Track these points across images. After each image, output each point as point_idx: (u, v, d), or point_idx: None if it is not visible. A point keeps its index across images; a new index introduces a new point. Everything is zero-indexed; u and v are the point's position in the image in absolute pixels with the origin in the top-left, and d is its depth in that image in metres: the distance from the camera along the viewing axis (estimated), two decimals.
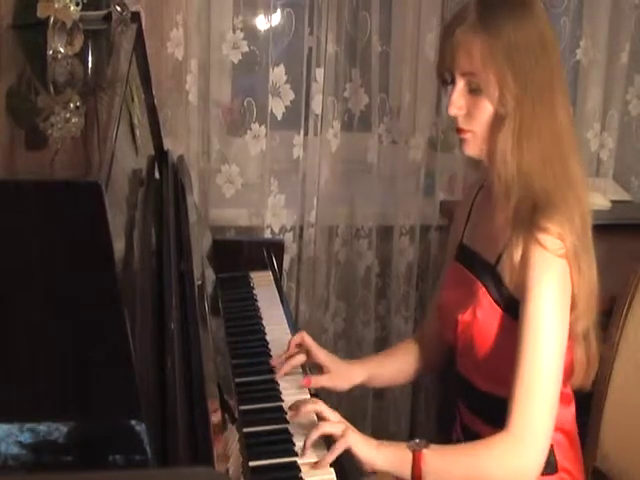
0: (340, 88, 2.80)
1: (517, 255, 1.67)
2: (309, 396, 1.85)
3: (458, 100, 1.70)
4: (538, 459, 1.63)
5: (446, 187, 2.96)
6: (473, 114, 1.70)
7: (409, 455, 1.54)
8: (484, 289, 1.76)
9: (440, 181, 2.93)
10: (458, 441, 1.89)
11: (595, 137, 2.95)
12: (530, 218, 1.66)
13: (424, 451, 1.54)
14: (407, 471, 1.54)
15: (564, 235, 1.64)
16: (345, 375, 1.95)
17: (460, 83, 1.70)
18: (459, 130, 1.73)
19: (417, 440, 1.57)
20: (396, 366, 2.04)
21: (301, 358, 1.92)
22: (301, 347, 1.93)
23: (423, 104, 2.86)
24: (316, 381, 1.90)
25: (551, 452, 1.76)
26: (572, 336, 1.70)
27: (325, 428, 1.64)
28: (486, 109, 1.69)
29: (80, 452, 1.20)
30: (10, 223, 1.14)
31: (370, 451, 1.62)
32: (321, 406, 1.68)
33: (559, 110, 1.69)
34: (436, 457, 1.60)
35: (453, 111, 1.71)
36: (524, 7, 1.69)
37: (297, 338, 1.93)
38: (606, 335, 2.04)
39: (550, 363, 1.63)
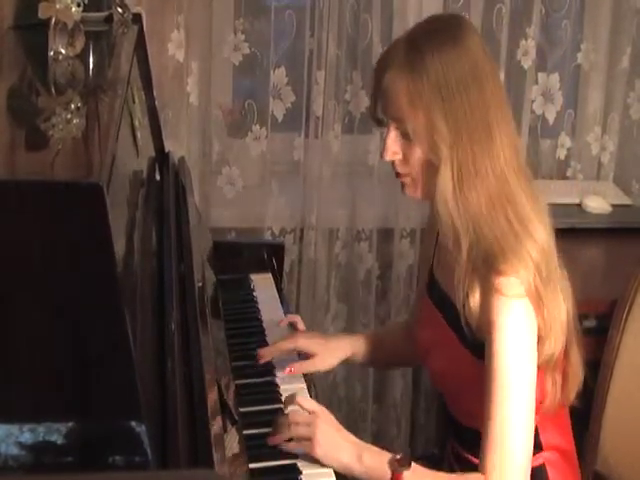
0: (341, 90, 2.80)
1: (475, 301, 1.62)
2: (308, 395, 1.85)
3: (392, 145, 1.65)
4: None
5: None
6: (408, 159, 1.65)
7: (387, 473, 1.57)
8: (453, 334, 1.72)
9: None
10: (450, 468, 1.88)
11: (596, 141, 2.94)
12: (485, 264, 1.60)
13: (404, 473, 1.56)
14: None
15: (521, 276, 1.58)
16: (328, 354, 1.94)
17: (392, 127, 1.65)
18: (397, 174, 1.69)
19: (399, 456, 1.59)
20: (386, 347, 2.04)
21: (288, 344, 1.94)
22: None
23: None
24: (299, 368, 1.90)
25: (544, 472, 1.76)
26: (549, 363, 1.67)
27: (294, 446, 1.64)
28: (418, 154, 1.63)
29: (80, 453, 1.20)
30: (11, 224, 1.14)
31: (341, 466, 1.62)
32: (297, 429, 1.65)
33: (500, 146, 1.61)
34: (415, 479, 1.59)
35: (387, 156, 1.66)
36: (454, 40, 1.60)
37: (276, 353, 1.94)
38: (606, 339, 2.04)
39: (520, 406, 1.60)
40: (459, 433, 1.84)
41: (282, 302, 2.25)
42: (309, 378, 1.95)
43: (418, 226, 2.90)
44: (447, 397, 1.85)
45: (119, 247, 1.24)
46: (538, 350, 1.63)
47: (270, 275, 2.35)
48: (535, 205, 1.65)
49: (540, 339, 1.63)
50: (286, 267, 2.72)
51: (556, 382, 1.70)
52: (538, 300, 1.61)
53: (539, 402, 1.69)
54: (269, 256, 2.37)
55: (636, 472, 1.95)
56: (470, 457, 1.80)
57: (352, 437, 1.65)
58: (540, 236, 1.62)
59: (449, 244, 1.66)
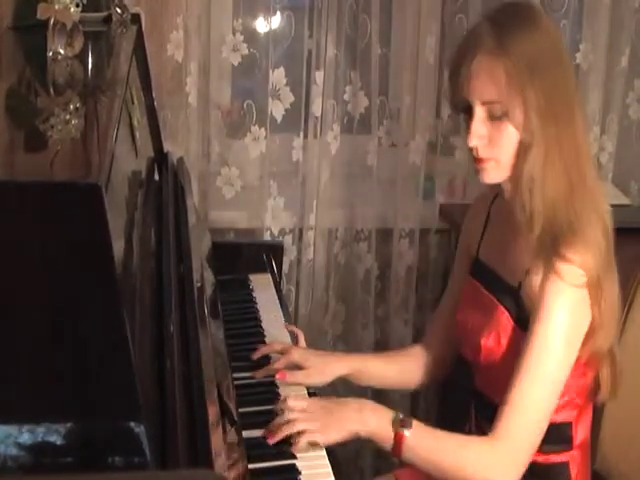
0: (340, 91, 2.80)
1: (536, 283, 1.64)
2: (306, 392, 1.86)
3: (480, 129, 1.64)
4: (512, 474, 1.63)
5: (446, 190, 2.96)
6: (497, 141, 1.64)
7: (390, 431, 1.62)
8: (507, 314, 1.73)
9: (440, 184, 2.93)
10: None
11: (595, 141, 2.94)
12: (553, 247, 1.62)
13: (406, 433, 1.60)
14: (388, 446, 1.63)
15: (587, 264, 1.61)
16: (322, 369, 1.93)
17: (480, 111, 1.63)
18: (479, 160, 1.66)
19: (402, 416, 1.63)
20: (390, 368, 2.01)
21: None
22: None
23: (423, 107, 2.85)
24: (291, 377, 1.89)
25: (566, 469, 1.77)
26: (597, 358, 1.70)
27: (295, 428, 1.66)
28: (511, 135, 1.63)
29: (79, 454, 1.20)
30: (10, 224, 1.14)
31: (347, 433, 1.65)
32: (296, 424, 1.67)
33: (579, 125, 1.65)
34: (417, 439, 1.62)
35: (474, 141, 1.64)
36: (534, 21, 1.64)
37: (267, 350, 1.95)
38: None
39: (547, 386, 1.62)
40: (487, 410, 1.82)
41: (281, 302, 2.25)
42: None
43: (417, 226, 2.90)
44: (482, 377, 1.84)
45: (118, 247, 1.24)
46: (590, 341, 1.65)
47: (269, 275, 2.35)
48: (601, 189, 1.71)
49: (593, 330, 1.65)
50: (285, 267, 2.72)
51: (609, 373, 1.74)
52: (598, 289, 1.64)
53: (591, 390, 1.74)
54: (268, 256, 2.37)
55: (636, 472, 1.95)
56: None
57: (349, 402, 1.71)
58: (608, 219, 1.67)
59: (522, 224, 1.67)
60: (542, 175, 1.63)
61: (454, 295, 1.95)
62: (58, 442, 1.19)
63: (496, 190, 1.82)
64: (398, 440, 1.61)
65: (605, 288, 1.65)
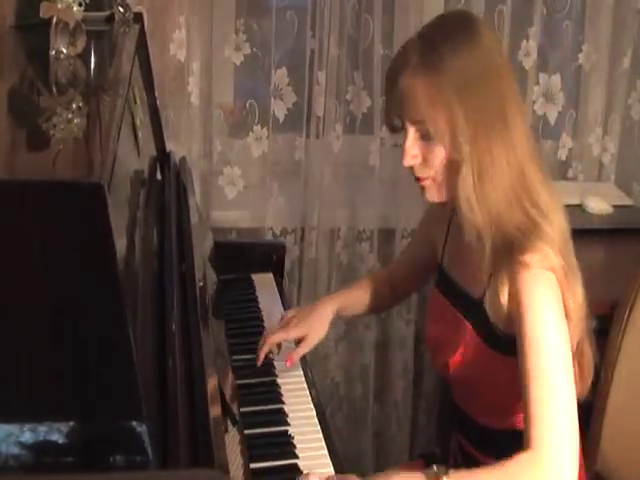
0: (342, 91, 2.80)
1: (504, 292, 1.61)
2: (310, 399, 1.85)
3: (411, 149, 1.63)
4: (571, 475, 1.53)
5: None
6: (428, 161, 1.63)
7: None
8: (472, 330, 1.71)
9: None
10: (455, 464, 1.86)
11: (597, 141, 2.94)
12: (510, 252, 1.60)
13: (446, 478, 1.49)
14: None
15: (547, 253, 1.58)
16: (316, 326, 1.94)
17: (411, 131, 1.62)
18: (416, 179, 1.67)
19: (435, 468, 1.51)
20: (364, 296, 2.08)
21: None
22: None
23: None
24: (297, 355, 1.91)
25: None
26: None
27: None
28: (440, 155, 1.61)
29: (81, 453, 1.20)
30: (12, 223, 1.14)
31: None
32: None
33: (516, 139, 1.61)
34: None
35: (407, 161, 1.64)
36: (468, 37, 1.60)
37: (266, 349, 1.92)
38: (607, 340, 2.04)
39: (559, 374, 1.56)
40: (466, 428, 1.83)
41: (283, 302, 2.25)
42: (309, 380, 1.94)
43: None
44: (457, 391, 1.84)
45: (120, 247, 1.24)
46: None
47: (271, 275, 2.35)
48: (551, 192, 1.66)
49: (565, 316, 1.61)
50: (287, 267, 2.72)
51: (576, 372, 1.67)
52: (564, 278, 1.61)
53: None
54: (270, 256, 2.38)
55: (637, 473, 1.95)
56: (476, 453, 1.79)
57: (377, 477, 1.56)
58: (559, 221, 1.64)
59: (472, 241, 1.65)
60: (479, 189, 1.60)
61: (412, 253, 2.08)
62: (60, 441, 1.19)
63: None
64: None
65: (570, 285, 1.62)
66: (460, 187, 1.60)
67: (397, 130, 1.68)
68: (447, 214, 1.84)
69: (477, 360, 1.71)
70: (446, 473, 1.49)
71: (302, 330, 1.92)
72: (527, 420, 1.54)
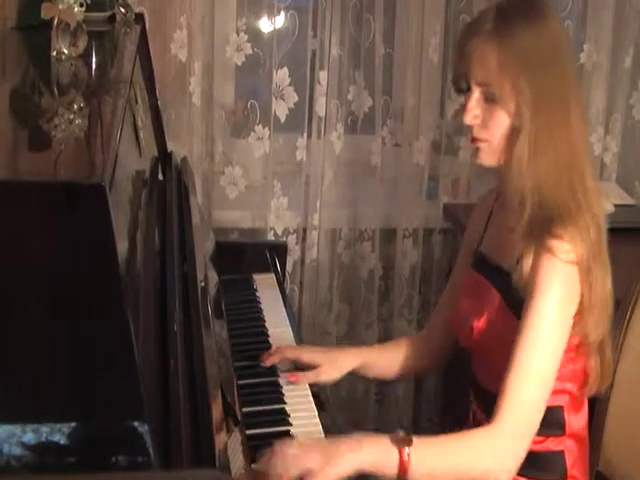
0: (344, 91, 2.80)
1: (528, 263, 1.66)
2: (311, 399, 1.85)
3: (474, 108, 1.68)
4: (514, 459, 1.61)
5: (449, 190, 2.96)
6: (488, 124, 1.68)
7: (394, 452, 1.54)
8: (500, 296, 1.75)
9: (443, 184, 2.93)
10: None
11: (599, 141, 2.95)
12: (543, 227, 1.64)
13: (407, 450, 1.54)
14: (392, 469, 1.54)
15: (576, 245, 1.63)
16: (333, 366, 1.93)
17: (476, 92, 1.68)
18: (474, 139, 1.71)
19: (400, 433, 1.58)
20: (394, 358, 2.02)
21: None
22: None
23: (427, 107, 2.86)
24: (303, 379, 1.90)
25: (562, 459, 1.77)
26: (586, 346, 1.71)
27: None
28: (501, 120, 1.67)
29: (83, 453, 1.20)
30: (14, 224, 1.14)
31: (348, 467, 1.54)
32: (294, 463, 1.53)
33: (574, 121, 1.68)
34: (420, 451, 1.57)
35: (468, 119, 1.69)
36: (540, 16, 1.67)
37: (277, 358, 1.93)
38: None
39: (544, 364, 1.63)
40: (484, 399, 1.83)
41: (285, 302, 2.24)
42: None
43: (421, 226, 2.90)
44: (479, 360, 1.85)
45: (122, 247, 1.24)
46: (581, 323, 1.66)
47: (273, 275, 2.35)
48: (596, 182, 1.72)
49: (582, 311, 1.66)
50: (289, 267, 2.73)
51: (598, 365, 1.74)
52: (588, 271, 1.65)
53: (583, 380, 1.74)
54: (272, 256, 2.37)
55: (639, 473, 1.95)
56: None
57: (344, 439, 1.59)
58: (598, 210, 1.69)
59: (514, 205, 1.69)
60: (532, 158, 1.66)
61: (455, 288, 1.98)
62: (62, 442, 1.19)
63: (499, 189, 1.85)
64: (402, 457, 1.55)
65: (595, 273, 1.66)
66: (515, 153, 1.66)
67: (462, 91, 1.73)
68: (489, 204, 1.90)
69: (500, 326, 1.74)
70: (410, 440, 1.56)
71: (317, 359, 1.92)
72: (502, 393, 1.61)
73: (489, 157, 1.72)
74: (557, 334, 1.64)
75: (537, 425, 1.64)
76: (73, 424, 1.19)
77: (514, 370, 1.62)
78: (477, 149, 1.72)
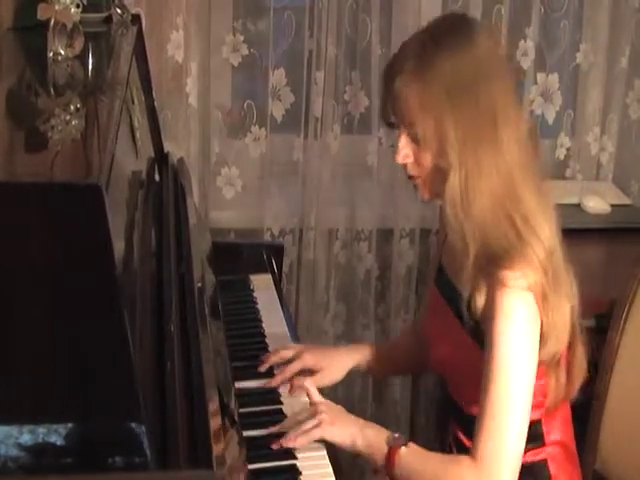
0: (340, 91, 2.80)
1: (481, 299, 1.63)
2: (308, 399, 1.85)
3: (403, 148, 1.67)
4: None
5: None
6: (420, 162, 1.66)
7: (385, 448, 1.65)
8: (459, 325, 1.73)
9: None
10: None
11: (595, 141, 2.94)
12: (490, 263, 1.61)
13: (401, 449, 1.64)
14: (380, 461, 1.66)
15: (527, 274, 1.60)
16: (333, 368, 1.94)
17: (404, 132, 1.67)
18: (409, 177, 1.70)
19: (397, 435, 1.68)
20: (392, 354, 2.05)
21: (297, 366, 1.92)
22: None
23: None
24: (305, 387, 1.88)
25: (545, 467, 1.77)
26: (545, 365, 1.68)
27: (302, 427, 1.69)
28: (427, 160, 1.65)
29: (80, 454, 1.20)
30: (10, 225, 1.14)
31: (348, 436, 1.68)
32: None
33: (506, 144, 1.61)
34: (408, 457, 1.64)
35: (400, 159, 1.68)
36: (462, 42, 1.61)
37: (275, 359, 1.94)
38: (605, 339, 2.04)
39: (520, 394, 1.61)
40: (461, 420, 1.84)
41: (282, 303, 2.25)
42: None
43: (417, 226, 2.90)
44: (450, 384, 1.86)
45: (118, 248, 1.24)
46: (541, 348, 1.64)
47: (270, 276, 2.35)
48: (541, 202, 1.66)
49: (543, 336, 1.64)
50: (285, 268, 2.72)
51: (559, 379, 1.72)
52: (543, 298, 1.62)
53: (542, 399, 1.71)
54: (268, 257, 2.37)
55: (636, 472, 1.95)
56: (470, 444, 1.80)
57: (353, 418, 1.73)
58: (545, 235, 1.63)
59: (457, 246, 1.67)
60: (465, 201, 1.61)
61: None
62: (58, 443, 1.19)
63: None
64: (391, 454, 1.64)
65: (551, 297, 1.63)
66: (447, 192, 1.62)
67: (393, 127, 1.72)
68: None
69: (465, 354, 1.73)
70: (405, 443, 1.65)
71: (318, 363, 1.93)
72: (478, 429, 1.61)
73: (428, 193, 1.70)
74: (526, 362, 1.62)
75: (520, 455, 1.63)
76: (70, 425, 1.19)
77: (490, 404, 1.60)
78: (414, 186, 1.71)
